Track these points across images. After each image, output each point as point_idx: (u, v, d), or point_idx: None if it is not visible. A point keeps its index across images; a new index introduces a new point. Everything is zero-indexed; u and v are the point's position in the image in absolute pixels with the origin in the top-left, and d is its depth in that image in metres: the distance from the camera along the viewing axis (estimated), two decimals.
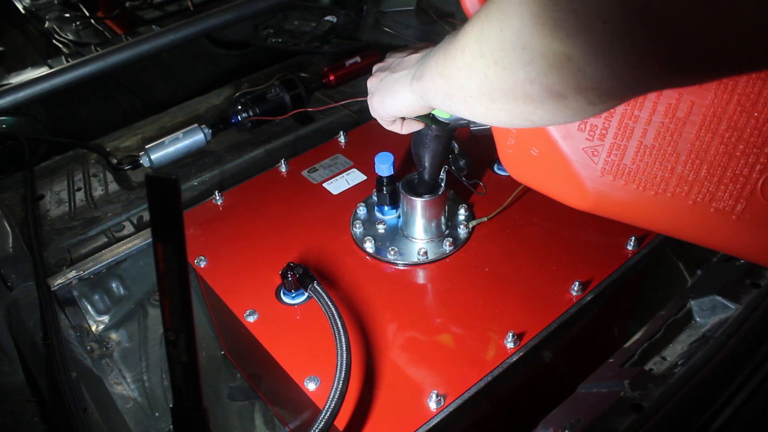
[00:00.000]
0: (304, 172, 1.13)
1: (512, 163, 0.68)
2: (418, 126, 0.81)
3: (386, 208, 0.99)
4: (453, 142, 0.89)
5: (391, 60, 0.74)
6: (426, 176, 0.88)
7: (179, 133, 1.25)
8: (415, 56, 0.69)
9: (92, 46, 1.74)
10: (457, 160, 0.90)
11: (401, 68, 0.69)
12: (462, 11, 0.59)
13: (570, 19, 0.41)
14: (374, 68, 0.77)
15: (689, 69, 0.42)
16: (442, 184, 0.91)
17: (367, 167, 1.12)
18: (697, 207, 0.55)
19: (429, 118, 0.79)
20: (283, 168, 1.14)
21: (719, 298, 0.76)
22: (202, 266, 0.96)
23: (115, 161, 1.30)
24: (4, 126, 1.50)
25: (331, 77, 1.49)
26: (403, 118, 0.79)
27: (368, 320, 0.84)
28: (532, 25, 0.43)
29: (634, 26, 0.39)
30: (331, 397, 0.70)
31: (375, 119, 0.79)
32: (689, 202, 0.55)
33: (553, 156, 0.59)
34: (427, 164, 0.87)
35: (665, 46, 0.39)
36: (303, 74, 1.49)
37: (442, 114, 0.78)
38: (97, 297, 1.11)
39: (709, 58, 0.40)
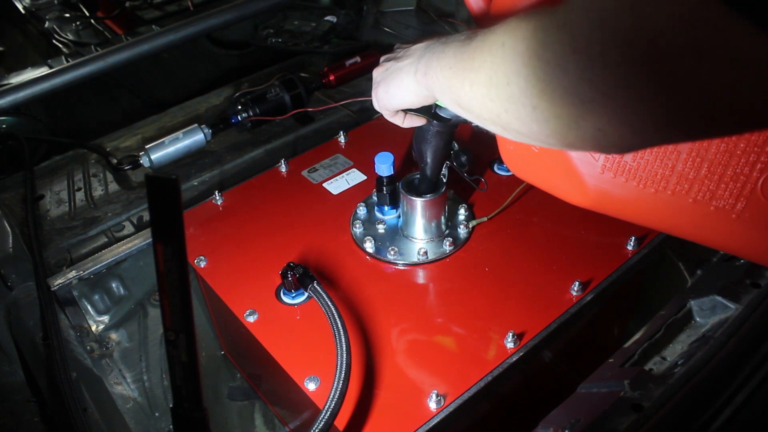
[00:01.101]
0: (304, 172, 1.13)
1: (513, 160, 0.67)
2: (420, 121, 0.81)
3: (386, 208, 0.99)
4: (453, 142, 0.88)
5: (397, 50, 0.74)
6: (428, 172, 0.88)
7: (179, 133, 1.25)
8: (421, 45, 0.68)
9: (92, 46, 1.74)
10: (459, 156, 0.89)
11: (407, 57, 0.69)
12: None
13: (582, 87, 0.38)
14: (381, 59, 0.77)
15: (717, 131, 0.40)
16: (444, 181, 0.90)
17: (367, 167, 1.12)
18: (697, 205, 0.55)
19: (431, 114, 0.79)
20: (283, 168, 1.14)
21: (719, 298, 0.76)
22: (202, 266, 0.96)
23: (115, 161, 1.30)
24: (4, 126, 1.50)
25: (331, 77, 1.49)
26: (406, 112, 0.78)
27: (368, 320, 0.84)
28: (540, 91, 0.41)
29: (662, 93, 0.36)
30: (331, 397, 0.70)
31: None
32: (689, 200, 0.55)
33: (554, 153, 0.59)
34: (429, 160, 0.86)
35: (694, 110, 0.36)
36: (303, 74, 1.49)
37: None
38: (97, 297, 1.11)
39: (742, 121, 0.38)
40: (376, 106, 0.77)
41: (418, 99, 0.68)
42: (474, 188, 1.02)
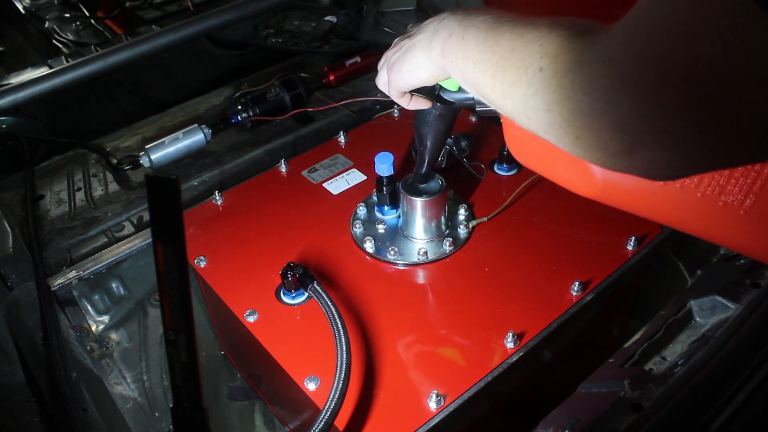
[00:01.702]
0: (304, 172, 1.13)
1: (519, 148, 0.66)
2: (425, 104, 0.79)
3: (386, 208, 0.99)
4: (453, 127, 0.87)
5: (410, 29, 0.72)
6: (426, 156, 0.86)
7: (179, 133, 1.25)
8: (434, 20, 0.66)
9: (92, 46, 1.74)
10: (459, 141, 0.88)
11: (419, 32, 0.67)
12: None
13: (633, 122, 0.37)
14: (394, 41, 0.75)
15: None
16: (443, 164, 0.88)
17: (367, 167, 1.12)
18: (706, 200, 0.54)
19: (434, 96, 0.78)
20: (283, 168, 1.14)
21: (719, 298, 0.76)
22: (202, 266, 0.96)
23: (115, 161, 1.30)
24: (4, 126, 1.50)
25: (331, 77, 1.49)
26: (412, 94, 0.77)
27: (368, 320, 0.84)
28: (586, 124, 0.40)
29: (723, 126, 0.35)
30: (331, 397, 0.70)
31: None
32: (698, 195, 0.54)
33: None
34: (428, 143, 0.85)
35: (756, 142, 0.35)
36: (303, 74, 1.49)
37: (451, 86, 0.76)
38: (97, 297, 1.11)
39: None
40: (384, 87, 0.75)
41: (431, 76, 0.67)
42: (474, 176, 1.01)
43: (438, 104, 0.79)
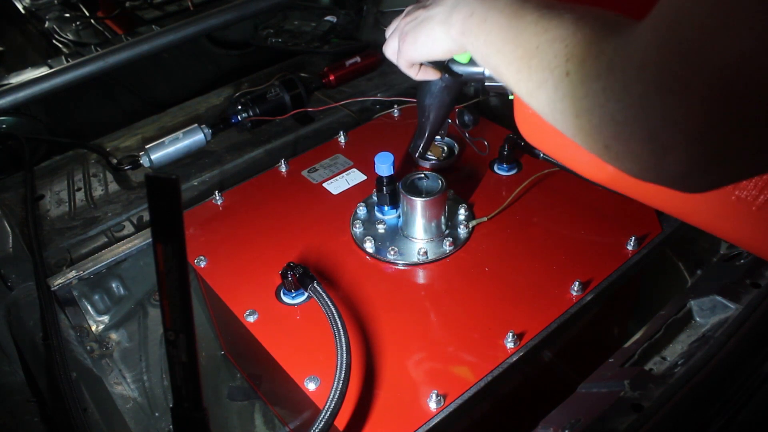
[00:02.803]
0: (304, 172, 1.13)
1: (530, 128, 0.63)
2: (434, 75, 0.77)
3: (386, 208, 0.99)
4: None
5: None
6: (427, 128, 0.84)
7: (179, 133, 1.25)
8: None
9: (92, 46, 1.74)
10: (462, 115, 0.86)
11: (436, 5, 0.65)
12: None
13: (668, 131, 0.35)
14: (408, 9, 0.72)
15: None
16: (443, 135, 0.85)
17: (367, 167, 1.12)
18: (719, 193, 0.52)
19: (444, 68, 0.76)
20: (283, 168, 1.14)
21: (719, 298, 0.76)
22: (202, 266, 0.96)
23: (115, 161, 1.30)
24: (4, 126, 1.50)
25: (331, 77, 1.49)
26: (422, 65, 0.75)
27: (368, 320, 0.84)
28: (617, 133, 0.38)
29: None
30: (331, 397, 0.70)
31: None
32: None
33: None
34: (431, 115, 0.82)
35: None
36: (303, 74, 1.49)
37: (462, 59, 0.75)
38: (97, 297, 1.11)
39: None
40: (392, 56, 0.73)
41: (447, 51, 0.65)
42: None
43: (445, 75, 0.77)
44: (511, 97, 0.70)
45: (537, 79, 0.46)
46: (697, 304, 0.78)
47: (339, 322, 0.77)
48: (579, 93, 0.41)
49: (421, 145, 0.86)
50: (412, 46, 0.68)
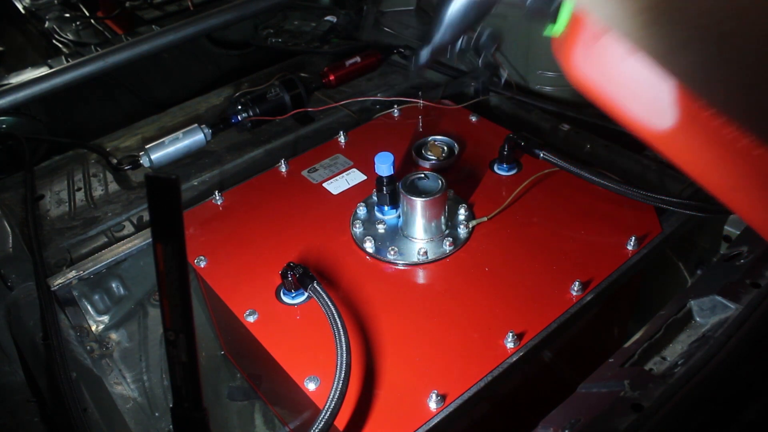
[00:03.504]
0: (304, 172, 1.13)
1: (584, 58, 0.49)
2: None
3: (386, 208, 0.99)
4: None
5: None
6: (437, 39, 0.75)
7: (179, 133, 1.25)
8: None
9: (92, 46, 1.74)
10: (481, 35, 0.80)
11: None
12: None
13: None
14: None
15: None
16: (455, 53, 0.79)
17: (367, 167, 1.12)
18: None
19: None
20: (283, 168, 1.14)
21: (719, 298, 0.76)
22: (202, 266, 0.96)
23: (115, 161, 1.30)
24: (4, 126, 1.50)
25: (331, 77, 1.49)
26: None
27: (368, 320, 0.84)
28: None
29: None
30: (331, 397, 0.70)
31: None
32: None
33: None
34: (445, 20, 0.73)
35: None
36: (303, 74, 1.49)
37: None
38: (97, 297, 1.11)
39: None
40: None
41: None
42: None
43: None
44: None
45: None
46: (697, 304, 0.78)
47: (339, 322, 0.77)
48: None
49: (426, 54, 0.78)
50: None
